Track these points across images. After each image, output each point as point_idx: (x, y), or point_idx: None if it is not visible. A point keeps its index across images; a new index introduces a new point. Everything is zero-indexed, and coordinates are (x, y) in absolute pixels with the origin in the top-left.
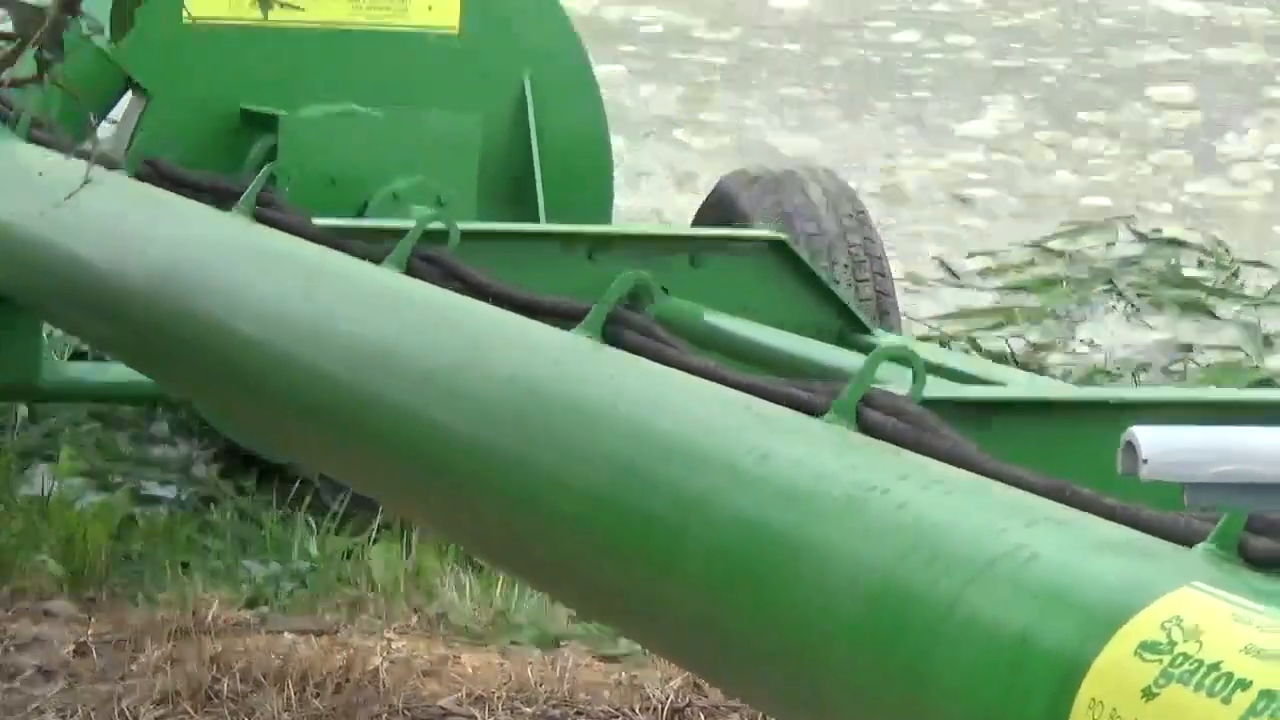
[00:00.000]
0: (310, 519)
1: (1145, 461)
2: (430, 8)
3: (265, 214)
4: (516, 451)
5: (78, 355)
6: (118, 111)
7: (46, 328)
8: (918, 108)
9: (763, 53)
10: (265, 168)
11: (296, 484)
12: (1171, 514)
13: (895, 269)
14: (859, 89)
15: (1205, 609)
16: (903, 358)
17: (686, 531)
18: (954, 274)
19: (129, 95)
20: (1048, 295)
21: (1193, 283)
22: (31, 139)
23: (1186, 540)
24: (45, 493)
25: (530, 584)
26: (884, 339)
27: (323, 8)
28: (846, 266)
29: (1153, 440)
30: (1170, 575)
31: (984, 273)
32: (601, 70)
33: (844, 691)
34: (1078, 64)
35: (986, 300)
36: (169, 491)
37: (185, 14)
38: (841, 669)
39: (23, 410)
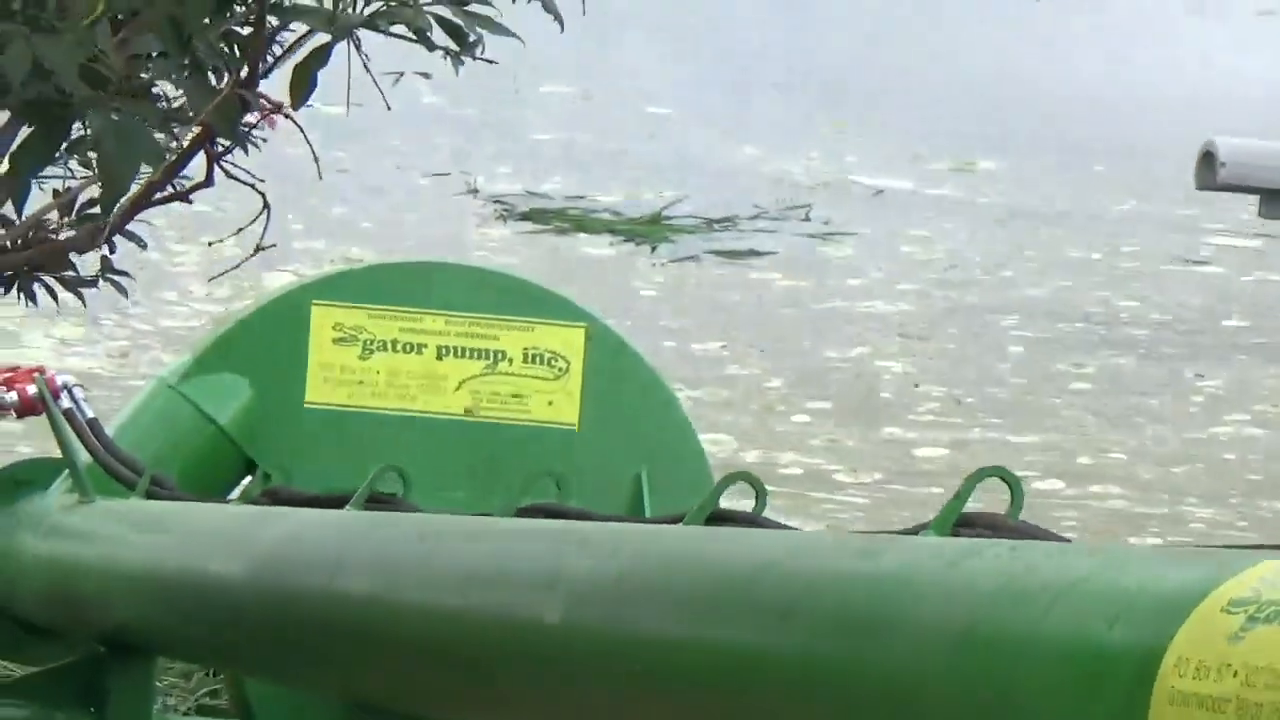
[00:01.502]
0: None
1: (1223, 165)
2: (551, 403)
3: (377, 508)
4: (627, 630)
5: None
6: None
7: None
8: None
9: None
10: (380, 466)
11: None
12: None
13: None
14: None
15: None
16: (1001, 477)
17: (786, 632)
18: None
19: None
20: None
21: None
22: (149, 496)
23: None
24: None
25: None
26: None
27: (444, 399)
28: None
29: (1232, 148)
30: (1261, 557)
31: None
32: (738, 505)
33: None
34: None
35: None
36: None
37: (305, 399)
38: (933, 708)
39: None
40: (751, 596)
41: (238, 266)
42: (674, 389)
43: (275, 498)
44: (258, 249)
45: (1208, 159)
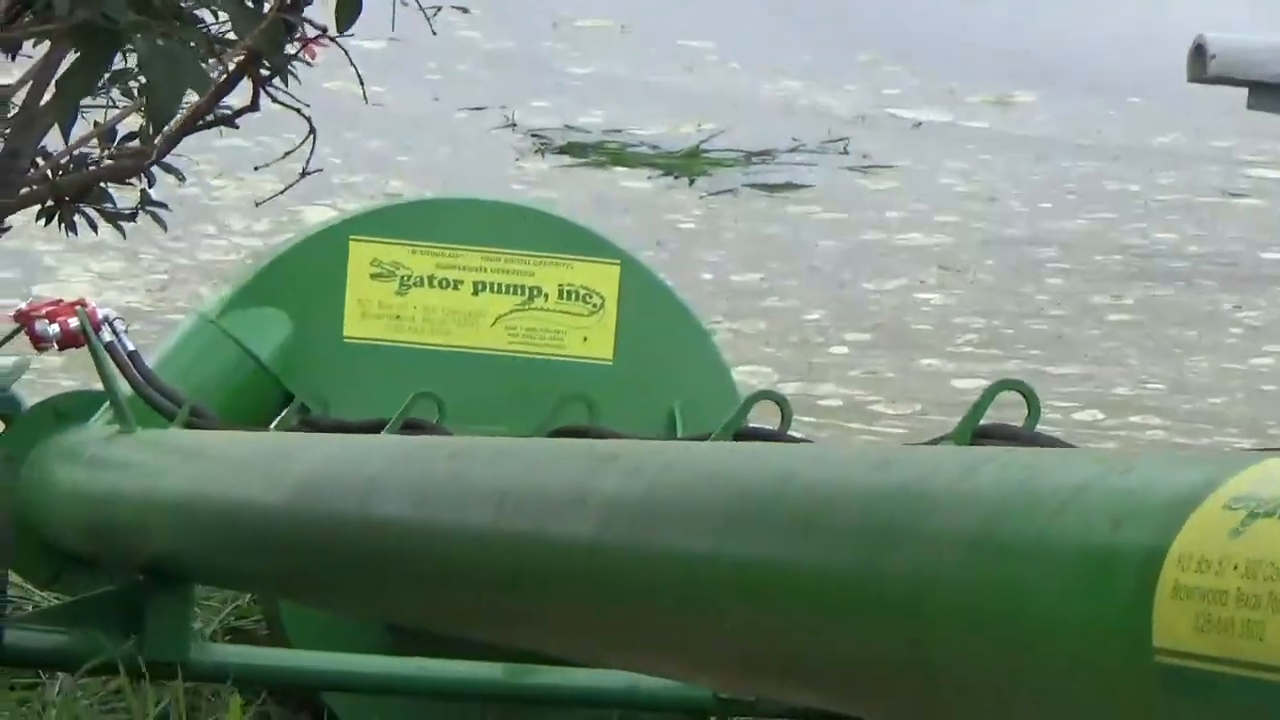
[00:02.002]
0: None
1: (1213, 57)
2: (586, 339)
3: (412, 434)
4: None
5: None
6: None
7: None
8: None
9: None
10: (416, 393)
11: None
12: None
13: None
14: None
15: None
16: (1018, 390)
17: (807, 542)
18: None
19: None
20: None
21: None
22: (189, 427)
23: None
24: None
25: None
26: None
27: (480, 335)
28: None
29: (1222, 41)
30: (1264, 458)
31: None
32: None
33: (947, 626)
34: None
35: None
36: None
37: (344, 334)
38: (944, 613)
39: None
40: (773, 508)
41: (284, 191)
42: (713, 321)
43: (312, 426)
44: (304, 173)
45: (1198, 52)
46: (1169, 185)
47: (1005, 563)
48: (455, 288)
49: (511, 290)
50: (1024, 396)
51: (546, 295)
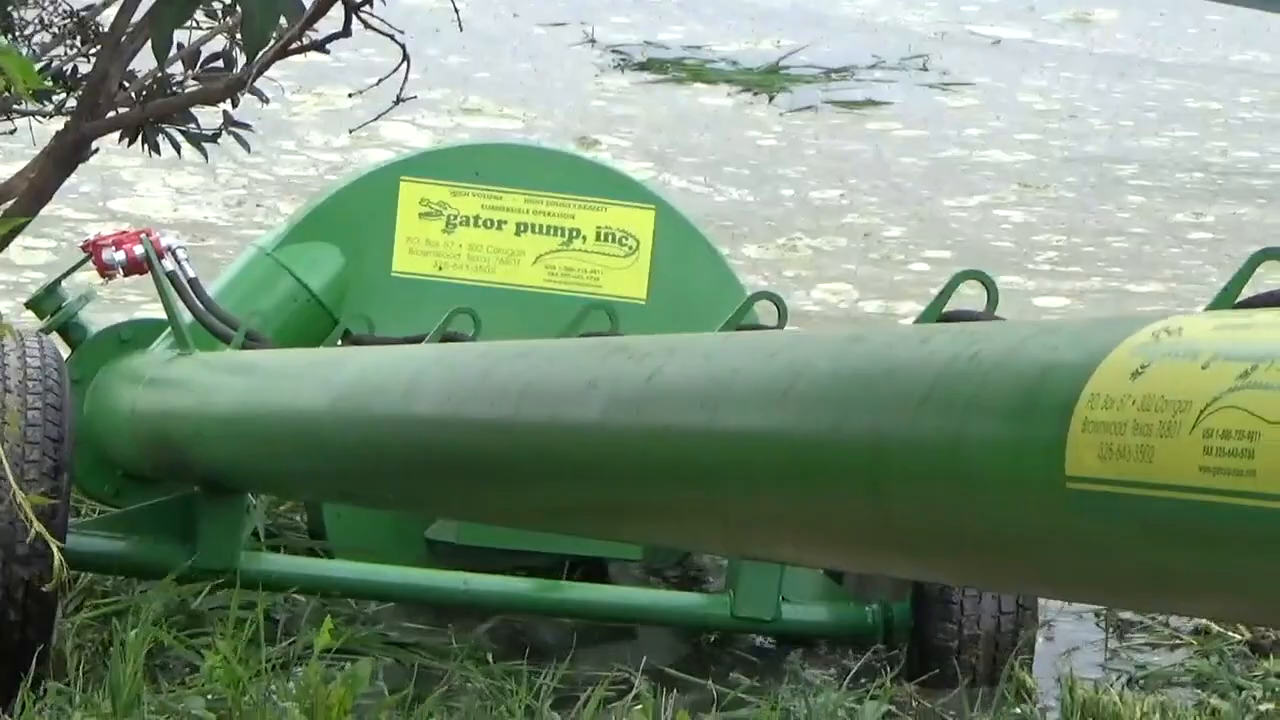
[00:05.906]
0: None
1: None
2: (621, 280)
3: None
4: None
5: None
6: None
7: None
8: None
9: None
10: (454, 309)
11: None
12: None
13: None
14: None
15: (1191, 319)
16: (979, 280)
17: (784, 401)
18: None
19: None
20: None
21: None
22: (244, 349)
23: None
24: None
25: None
26: None
27: (521, 273)
28: None
29: None
30: (1171, 314)
31: None
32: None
33: (901, 475)
34: None
35: None
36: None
37: (393, 269)
38: (899, 459)
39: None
40: (758, 382)
41: (378, 118)
42: (793, 238)
43: (356, 343)
44: (398, 100)
45: None
46: (1250, 103)
47: (949, 416)
48: (499, 228)
49: (552, 231)
50: (984, 286)
51: (585, 237)
